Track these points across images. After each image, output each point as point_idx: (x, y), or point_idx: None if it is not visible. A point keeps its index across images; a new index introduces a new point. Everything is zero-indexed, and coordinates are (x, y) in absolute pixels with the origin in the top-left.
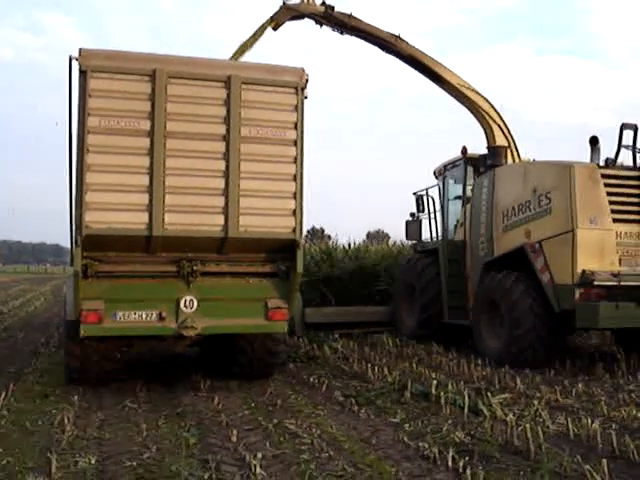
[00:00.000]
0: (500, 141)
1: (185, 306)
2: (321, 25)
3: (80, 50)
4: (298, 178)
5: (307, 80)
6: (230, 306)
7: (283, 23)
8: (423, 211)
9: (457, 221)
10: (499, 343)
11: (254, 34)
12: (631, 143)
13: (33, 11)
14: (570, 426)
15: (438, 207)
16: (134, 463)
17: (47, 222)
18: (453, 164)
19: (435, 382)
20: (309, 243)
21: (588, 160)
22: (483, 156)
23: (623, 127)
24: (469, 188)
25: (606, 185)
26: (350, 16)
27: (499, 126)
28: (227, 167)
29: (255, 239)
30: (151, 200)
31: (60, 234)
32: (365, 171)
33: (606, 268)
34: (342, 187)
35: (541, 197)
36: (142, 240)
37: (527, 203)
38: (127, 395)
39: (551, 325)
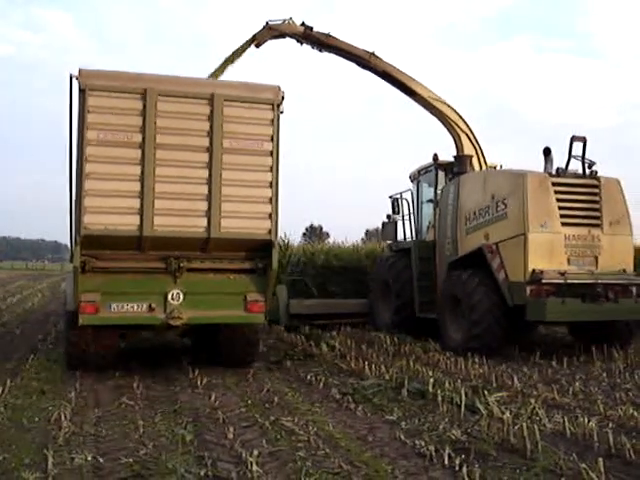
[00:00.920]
0: (468, 148)
1: (172, 299)
2: (301, 44)
3: (80, 70)
4: (274, 185)
5: (283, 97)
6: (213, 299)
7: (265, 41)
8: (398, 213)
9: (429, 222)
10: (460, 334)
11: (236, 51)
12: (580, 154)
13: (32, 8)
14: (567, 425)
15: (413, 209)
16: (130, 460)
17: (46, 219)
18: (426, 169)
19: (432, 380)
20: (306, 242)
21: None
22: (452, 163)
23: (573, 139)
24: (440, 192)
25: (556, 192)
26: (328, 35)
27: (467, 135)
28: (210, 175)
29: (235, 239)
30: (142, 204)
31: (59, 231)
32: (366, 171)
33: (555, 267)
34: (344, 185)
35: (498, 203)
36: (134, 240)
37: (486, 208)
38: (124, 392)
39: (505, 318)
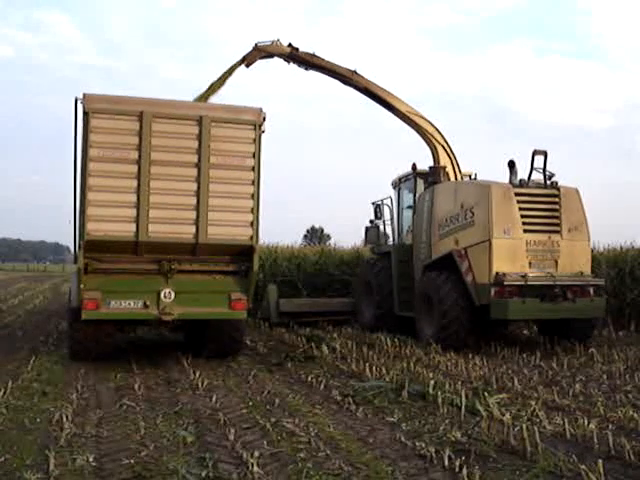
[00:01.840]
0: (444, 159)
1: (164, 297)
2: (289, 63)
3: (84, 95)
4: (255, 196)
5: (264, 118)
6: (200, 297)
7: (255, 61)
8: (380, 218)
9: (408, 227)
10: (432, 329)
11: (227, 71)
12: (542, 166)
13: (32, 10)
14: (567, 426)
15: (394, 215)
16: (132, 461)
17: (47, 220)
18: (406, 177)
19: (432, 382)
20: (307, 244)
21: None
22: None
23: (535, 153)
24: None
25: (518, 202)
26: (313, 55)
27: (442, 146)
28: (198, 188)
29: (220, 245)
30: (138, 214)
31: (60, 232)
32: (366, 171)
33: (517, 270)
34: (344, 187)
35: (467, 211)
36: (131, 245)
37: (457, 216)
38: (125, 393)
39: (472, 316)
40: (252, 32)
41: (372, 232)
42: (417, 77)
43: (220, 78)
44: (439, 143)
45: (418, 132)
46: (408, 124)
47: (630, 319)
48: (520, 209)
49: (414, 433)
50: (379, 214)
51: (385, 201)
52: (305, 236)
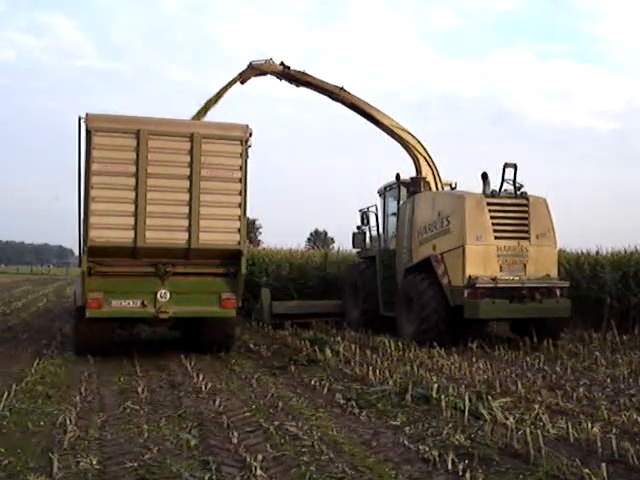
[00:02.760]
0: (425, 170)
1: (161, 297)
2: (280, 79)
3: (87, 115)
4: (242, 205)
5: (251, 134)
6: (193, 297)
7: (249, 79)
8: (367, 224)
9: (393, 233)
10: (412, 327)
11: (223, 87)
12: (512, 178)
13: (35, 13)
14: (570, 430)
15: (380, 221)
16: (135, 464)
17: (50, 223)
18: (391, 186)
19: (436, 385)
20: (311, 247)
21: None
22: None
23: (505, 166)
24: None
25: (490, 210)
26: (304, 73)
27: (424, 158)
28: (190, 198)
29: (211, 249)
30: (136, 222)
31: (63, 236)
32: (367, 172)
33: (489, 274)
34: (347, 191)
35: (443, 220)
36: (130, 250)
37: (434, 223)
38: (129, 396)
39: (448, 316)
40: (254, 35)
41: (359, 237)
42: (418, 79)
43: (216, 94)
44: (421, 155)
45: (401, 144)
46: (392, 137)
47: (634, 323)
48: (492, 217)
49: (417, 437)
50: (365, 220)
51: (371, 208)
52: (309, 239)
